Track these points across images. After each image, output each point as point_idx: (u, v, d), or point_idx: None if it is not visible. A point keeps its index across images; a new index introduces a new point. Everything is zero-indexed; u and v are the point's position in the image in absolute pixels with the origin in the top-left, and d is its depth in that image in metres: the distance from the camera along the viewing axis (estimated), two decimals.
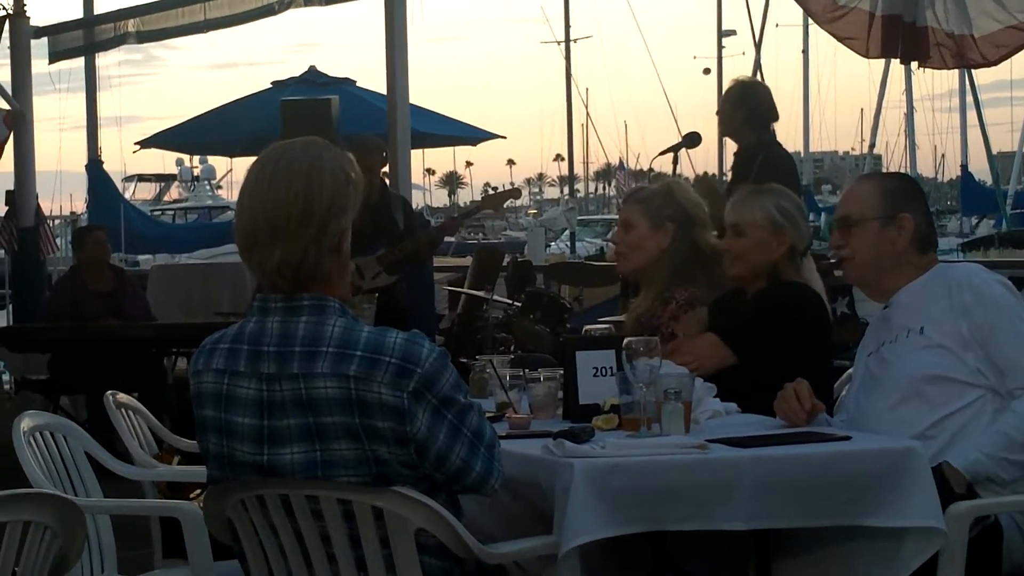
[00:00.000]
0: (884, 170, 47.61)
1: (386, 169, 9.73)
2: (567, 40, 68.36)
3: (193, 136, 17.26)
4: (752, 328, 4.79)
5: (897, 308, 4.29)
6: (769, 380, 4.23)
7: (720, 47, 57.27)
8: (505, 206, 19.69)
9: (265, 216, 3.20)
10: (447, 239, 11.21)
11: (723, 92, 7.78)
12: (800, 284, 4.86)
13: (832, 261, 5.45)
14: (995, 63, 8.00)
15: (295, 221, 3.18)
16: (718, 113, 7.83)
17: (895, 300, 4.31)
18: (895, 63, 11.00)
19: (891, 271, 4.31)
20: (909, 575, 3.68)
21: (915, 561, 3.67)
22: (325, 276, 3.24)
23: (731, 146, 8.04)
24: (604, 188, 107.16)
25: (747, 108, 7.62)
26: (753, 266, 4.89)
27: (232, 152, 19.83)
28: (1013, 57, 7.93)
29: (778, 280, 4.86)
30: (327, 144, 3.31)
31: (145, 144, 17.68)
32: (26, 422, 4.16)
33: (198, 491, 4.99)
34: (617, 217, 6.80)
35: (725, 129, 7.84)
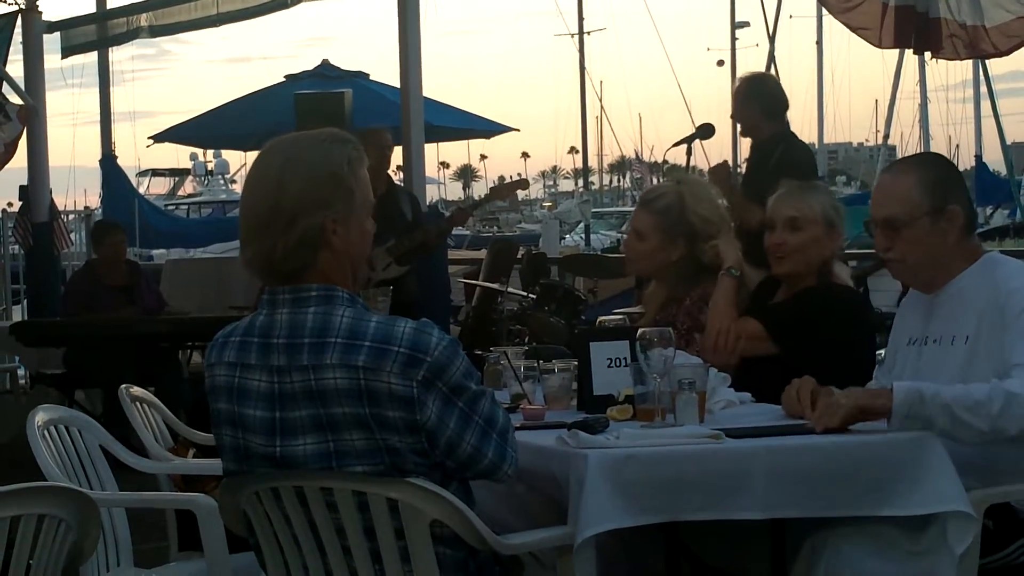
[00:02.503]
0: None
1: (399, 162, 9.74)
2: (581, 33, 68.24)
3: (207, 130, 17.28)
4: (797, 324, 4.74)
5: (946, 301, 4.08)
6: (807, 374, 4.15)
7: (734, 39, 57.23)
8: (520, 198, 19.69)
9: (245, 212, 3.27)
10: (461, 231, 11.22)
11: (733, 93, 7.74)
12: (848, 287, 4.79)
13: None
14: (1007, 53, 8.00)
15: (265, 216, 3.22)
16: (733, 116, 7.79)
17: (945, 291, 4.09)
18: (909, 54, 10.99)
19: (945, 265, 4.08)
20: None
21: (957, 547, 3.62)
22: (322, 271, 3.24)
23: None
24: (619, 180, 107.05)
25: (761, 100, 7.57)
26: (807, 262, 4.80)
27: (246, 146, 19.78)
28: None
29: (826, 280, 4.80)
30: (327, 138, 3.29)
31: (159, 138, 17.71)
32: (41, 416, 4.17)
33: (213, 484, 4.99)
34: (631, 210, 6.80)
35: (744, 127, 7.75)
